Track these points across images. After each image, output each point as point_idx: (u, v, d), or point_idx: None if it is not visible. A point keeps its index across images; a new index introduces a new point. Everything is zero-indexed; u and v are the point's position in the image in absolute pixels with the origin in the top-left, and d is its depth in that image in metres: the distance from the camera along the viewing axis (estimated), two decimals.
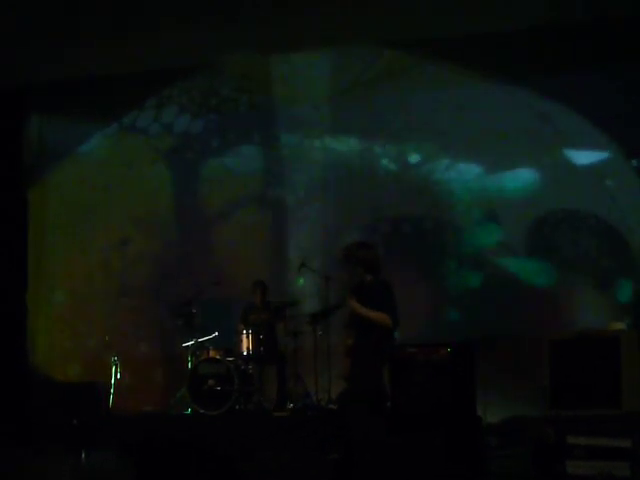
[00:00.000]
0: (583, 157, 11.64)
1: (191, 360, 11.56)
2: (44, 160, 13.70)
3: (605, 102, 11.38)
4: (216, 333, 11.63)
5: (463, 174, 12.04)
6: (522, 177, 11.80)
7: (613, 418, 8.44)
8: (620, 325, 9.35)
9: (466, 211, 12.01)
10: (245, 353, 11.39)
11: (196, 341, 11.60)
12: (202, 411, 11.03)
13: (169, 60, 12.71)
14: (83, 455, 10.59)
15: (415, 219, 12.17)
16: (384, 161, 12.38)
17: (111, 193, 13.36)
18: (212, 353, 11.36)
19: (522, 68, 11.82)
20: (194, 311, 11.76)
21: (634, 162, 11.43)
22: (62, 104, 13.59)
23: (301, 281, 12.34)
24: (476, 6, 11.19)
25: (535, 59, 11.72)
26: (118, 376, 11.79)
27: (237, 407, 11.09)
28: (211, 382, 11.11)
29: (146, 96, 13.36)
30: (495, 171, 11.92)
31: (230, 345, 11.60)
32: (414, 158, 12.29)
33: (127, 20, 11.36)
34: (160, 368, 12.85)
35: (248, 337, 11.41)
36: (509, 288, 11.73)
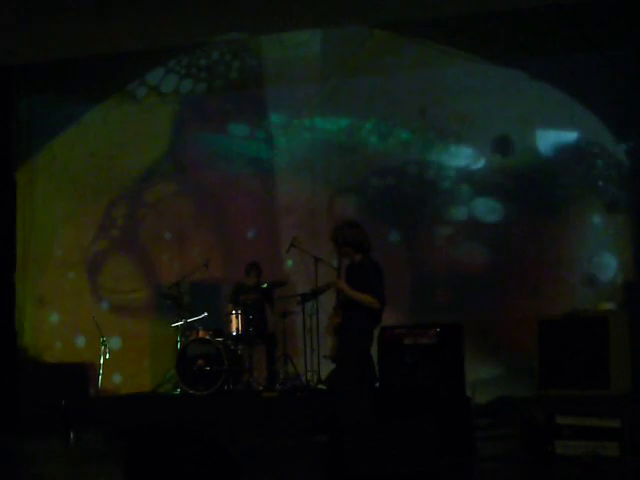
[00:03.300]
0: (574, 139, 11.62)
1: (180, 340, 11.55)
2: (32, 141, 13.62)
3: (597, 85, 11.37)
4: (205, 314, 11.61)
5: (452, 154, 12.02)
6: (512, 158, 11.79)
7: (602, 398, 8.45)
8: (609, 305, 9.36)
9: (455, 188, 11.99)
10: (234, 333, 11.38)
11: (185, 321, 11.59)
12: (191, 392, 11.01)
13: (157, 41, 12.68)
14: (72, 436, 10.60)
15: (403, 199, 12.16)
16: (373, 140, 12.35)
17: (100, 172, 13.31)
18: (201, 333, 11.33)
19: (513, 49, 11.81)
20: (183, 291, 11.76)
21: (624, 145, 11.42)
22: (50, 85, 13.53)
23: (289, 263, 12.34)
24: None
25: (526, 41, 11.70)
26: (107, 357, 11.76)
27: (226, 388, 11.08)
28: (200, 362, 11.08)
29: (135, 76, 13.29)
30: (484, 150, 11.91)
31: (219, 326, 11.59)
32: (403, 138, 12.26)
33: (118, 0, 11.29)
34: (149, 348, 12.82)
35: (238, 317, 11.39)
36: (499, 267, 11.75)
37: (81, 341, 12.95)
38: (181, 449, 5.69)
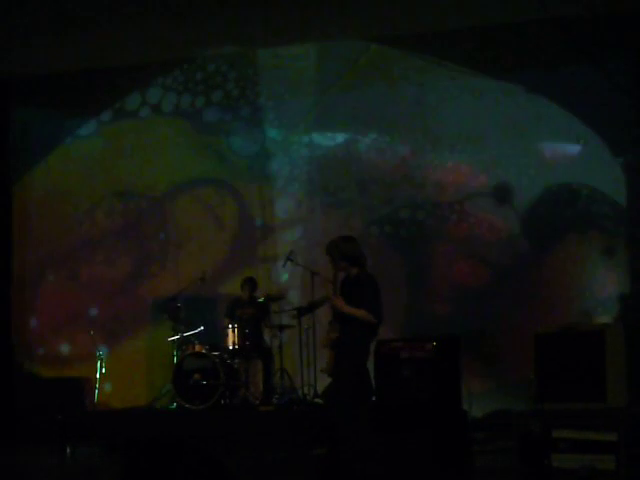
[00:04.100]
0: (570, 153, 11.64)
1: (176, 354, 11.55)
2: (28, 155, 13.62)
3: (594, 100, 11.41)
4: (202, 327, 11.61)
5: (450, 168, 12.03)
6: (508, 172, 11.80)
7: (598, 412, 8.45)
8: (605, 319, 9.36)
9: (453, 203, 12.00)
10: (231, 347, 11.38)
11: (181, 335, 11.59)
12: (187, 406, 11.01)
13: (153, 54, 12.71)
14: (68, 451, 10.57)
15: (401, 213, 12.16)
16: (370, 155, 12.35)
17: (96, 186, 13.31)
18: (197, 347, 11.34)
19: (509, 63, 11.83)
20: (179, 305, 11.75)
21: (621, 159, 11.44)
22: (46, 99, 13.53)
23: (285, 277, 12.35)
24: (462, 0, 11.19)
25: (522, 54, 11.74)
26: (103, 371, 11.75)
27: (223, 402, 11.08)
28: (196, 376, 11.08)
29: (130, 89, 13.31)
30: (481, 166, 11.92)
31: (216, 340, 11.59)
32: (400, 152, 12.27)
33: (113, 14, 11.30)
34: (145, 362, 12.80)
35: (234, 331, 11.39)
36: (495, 281, 11.76)
37: (76, 354, 12.92)
38: (177, 463, 5.68)
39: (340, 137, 12.50)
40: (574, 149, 11.60)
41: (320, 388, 10.81)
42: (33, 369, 13.18)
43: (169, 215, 13.09)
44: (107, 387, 12.18)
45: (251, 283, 11.78)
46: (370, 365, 8.44)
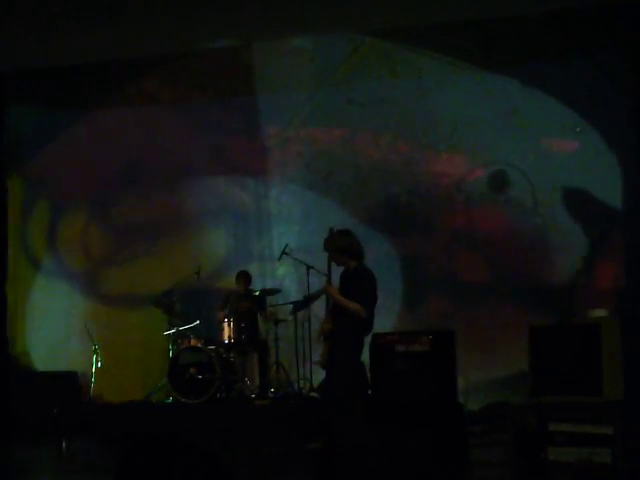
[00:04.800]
0: (568, 146, 11.64)
1: (172, 349, 11.54)
2: (23, 149, 13.59)
3: (589, 93, 11.41)
4: (197, 321, 11.59)
5: (445, 162, 12.02)
6: (505, 165, 11.79)
7: (594, 405, 8.45)
8: (601, 312, 9.36)
9: (449, 197, 12.00)
10: (226, 341, 11.37)
11: (177, 329, 11.57)
12: (183, 400, 10.99)
13: (149, 48, 12.68)
14: (64, 445, 10.55)
15: (399, 206, 12.16)
16: (366, 148, 12.33)
17: (92, 180, 13.28)
18: (193, 341, 11.32)
19: (505, 57, 11.82)
20: (175, 299, 11.74)
21: (616, 152, 11.43)
22: (40, 93, 13.49)
23: (280, 270, 12.33)
24: None
25: (518, 48, 11.73)
26: (99, 365, 11.74)
27: (219, 396, 11.07)
28: (192, 370, 11.06)
29: (125, 84, 13.28)
30: (477, 159, 11.92)
31: (211, 334, 11.58)
32: (397, 145, 12.25)
33: (108, 8, 11.27)
34: (141, 356, 12.77)
35: (229, 325, 11.38)
36: (491, 274, 11.76)
37: (73, 349, 12.90)
38: (173, 458, 5.67)
39: (336, 130, 12.47)
40: (571, 142, 11.59)
41: (316, 382, 10.82)
42: (28, 363, 13.16)
43: (165, 209, 13.05)
44: (102, 381, 12.14)
45: (245, 276, 11.77)
46: (366, 359, 8.45)
